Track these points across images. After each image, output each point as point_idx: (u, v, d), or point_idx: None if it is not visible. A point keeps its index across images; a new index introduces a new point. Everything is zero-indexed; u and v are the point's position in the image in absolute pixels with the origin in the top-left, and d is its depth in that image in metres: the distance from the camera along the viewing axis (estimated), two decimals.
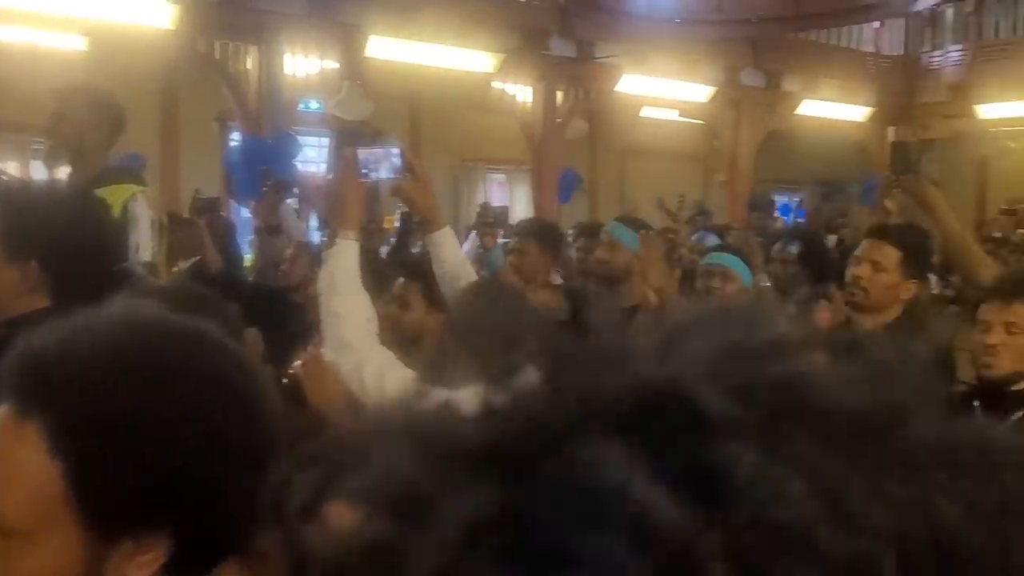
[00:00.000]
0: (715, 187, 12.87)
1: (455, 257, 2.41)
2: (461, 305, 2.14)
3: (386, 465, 0.31)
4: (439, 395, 0.38)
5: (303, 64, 8.06)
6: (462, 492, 0.29)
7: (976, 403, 2.24)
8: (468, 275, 2.42)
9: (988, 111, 11.13)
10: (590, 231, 4.32)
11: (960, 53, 12.19)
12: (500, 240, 4.41)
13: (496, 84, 9.21)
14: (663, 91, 10.40)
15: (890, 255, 2.63)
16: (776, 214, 13.31)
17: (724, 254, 3.15)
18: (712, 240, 5.91)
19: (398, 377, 1.93)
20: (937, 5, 11.50)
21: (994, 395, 2.23)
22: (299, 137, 8.37)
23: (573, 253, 4.42)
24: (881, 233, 2.77)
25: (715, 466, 0.28)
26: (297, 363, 2.12)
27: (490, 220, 7.18)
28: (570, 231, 5.05)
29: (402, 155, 2.32)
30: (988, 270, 2.99)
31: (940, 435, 0.32)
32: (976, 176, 14.25)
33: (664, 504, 0.27)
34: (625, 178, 13.37)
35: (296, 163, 8.23)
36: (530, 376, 0.33)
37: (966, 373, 2.53)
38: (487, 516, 0.28)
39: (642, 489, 0.27)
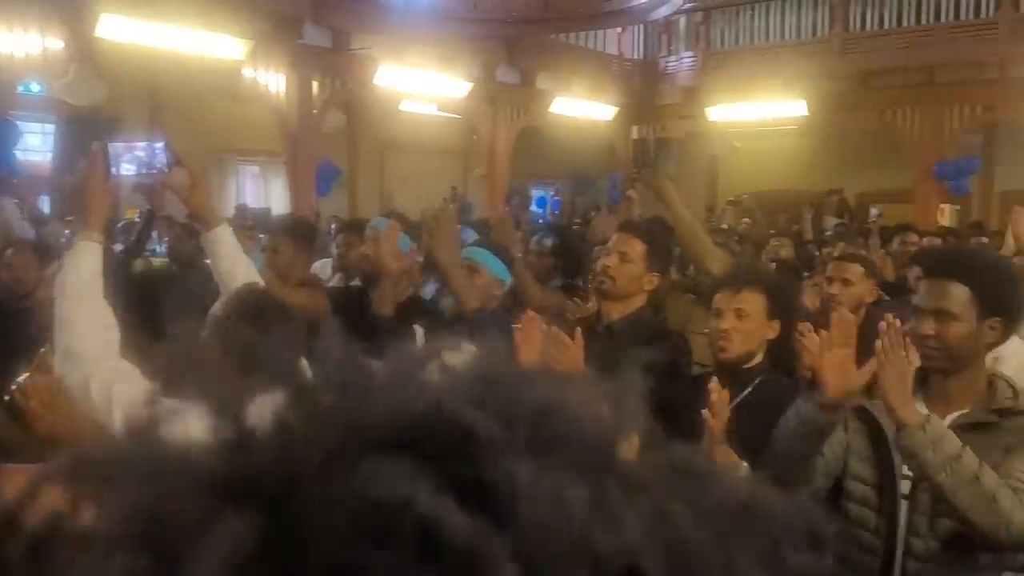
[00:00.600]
0: (475, 181, 13.15)
1: (232, 256, 2.30)
2: (221, 315, 2.01)
3: (127, 500, 0.30)
4: (176, 412, 0.33)
5: (23, 41, 7.21)
6: (217, 527, 0.28)
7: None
8: (247, 275, 2.30)
9: (716, 113, 12.22)
10: (352, 227, 4.23)
11: (692, 59, 13.31)
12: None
13: (247, 72, 8.77)
14: (421, 85, 10.43)
15: (636, 247, 2.80)
16: (533, 206, 13.89)
17: (476, 248, 3.18)
18: (470, 235, 6.00)
19: (129, 391, 1.75)
20: (671, 15, 12.45)
21: (731, 373, 2.43)
22: (19, 123, 7.54)
23: (334, 249, 4.30)
24: (629, 227, 2.94)
25: (496, 479, 0.30)
26: (21, 378, 1.91)
27: (249, 223, 6.82)
28: (332, 225, 4.90)
29: (167, 149, 2.17)
30: (716, 259, 3.26)
31: (657, 457, 0.37)
32: (707, 172, 15.65)
33: (452, 514, 0.28)
34: (385, 171, 13.30)
35: (16, 152, 7.43)
36: (274, 399, 0.33)
37: (703, 356, 2.75)
38: (248, 549, 0.28)
39: (428, 501, 0.28)
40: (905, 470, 1.94)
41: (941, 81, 11.23)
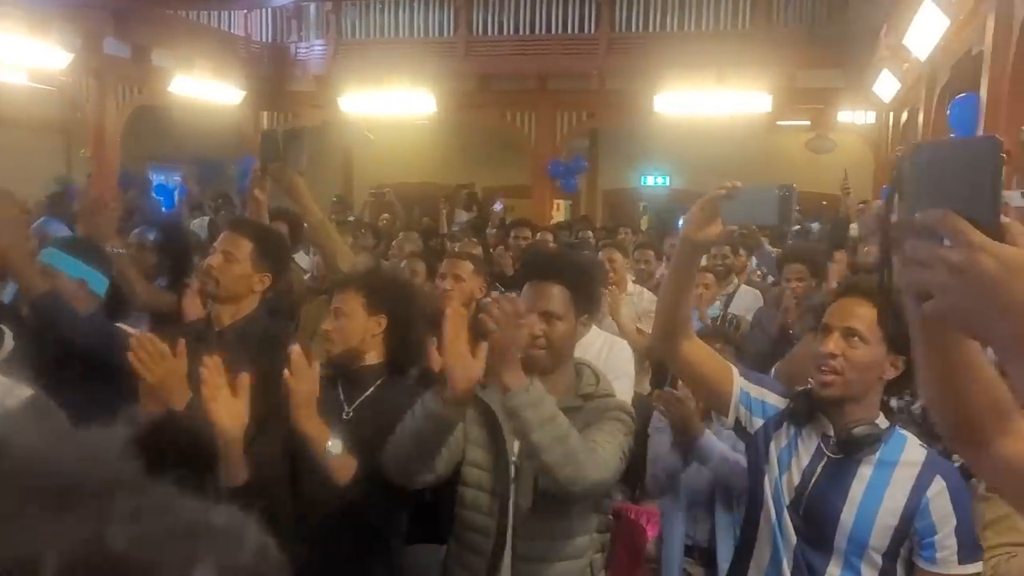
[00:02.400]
0: (81, 161, 11.72)
1: None
2: None
3: None
4: None
5: None
6: None
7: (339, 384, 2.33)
8: None
9: (349, 103, 12.15)
10: None
11: (323, 47, 13.10)
12: None
13: None
14: (9, 51, 8.99)
15: (243, 247, 2.60)
16: (153, 193, 12.72)
17: (50, 248, 2.75)
18: (60, 229, 5.26)
19: None
20: (299, 1, 12.14)
21: (348, 375, 2.32)
22: None
23: None
24: (236, 226, 2.71)
25: None
26: None
27: None
28: None
29: None
30: (346, 257, 3.15)
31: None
32: (342, 163, 15.58)
33: None
34: None
35: None
36: None
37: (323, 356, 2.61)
38: None
39: None
40: (514, 456, 2.04)
41: (553, 88, 12.29)
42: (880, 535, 1.81)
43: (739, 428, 2.06)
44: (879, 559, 1.82)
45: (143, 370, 2.08)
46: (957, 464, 1.93)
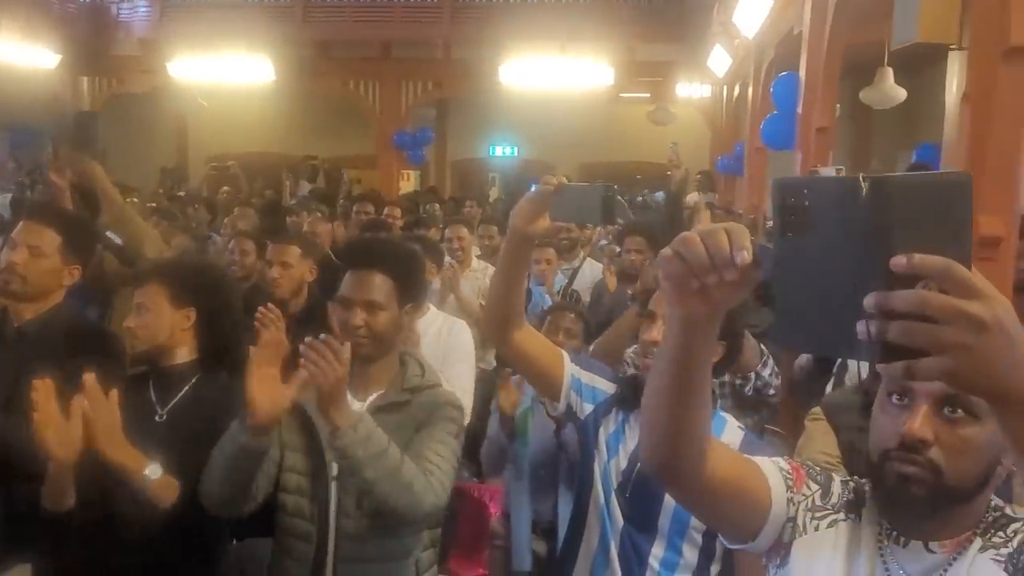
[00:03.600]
0: None
1: None
2: None
3: None
4: None
5: None
6: None
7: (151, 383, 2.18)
8: None
9: (179, 68, 11.47)
10: None
11: (148, 8, 12.26)
12: None
13: None
14: None
15: (50, 239, 2.40)
16: None
17: None
18: None
19: None
20: None
21: (160, 373, 2.19)
22: None
23: None
24: (38, 215, 2.47)
25: None
26: None
27: None
28: None
29: None
30: (152, 240, 2.95)
31: None
32: (175, 133, 14.74)
33: None
34: None
35: None
36: None
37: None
38: None
39: None
40: (334, 467, 1.99)
41: (397, 56, 12.05)
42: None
43: (570, 414, 2.07)
44: (699, 538, 1.88)
45: None
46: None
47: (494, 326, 1.92)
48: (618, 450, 1.98)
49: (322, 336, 1.79)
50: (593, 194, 1.66)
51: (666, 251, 0.88)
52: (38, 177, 9.15)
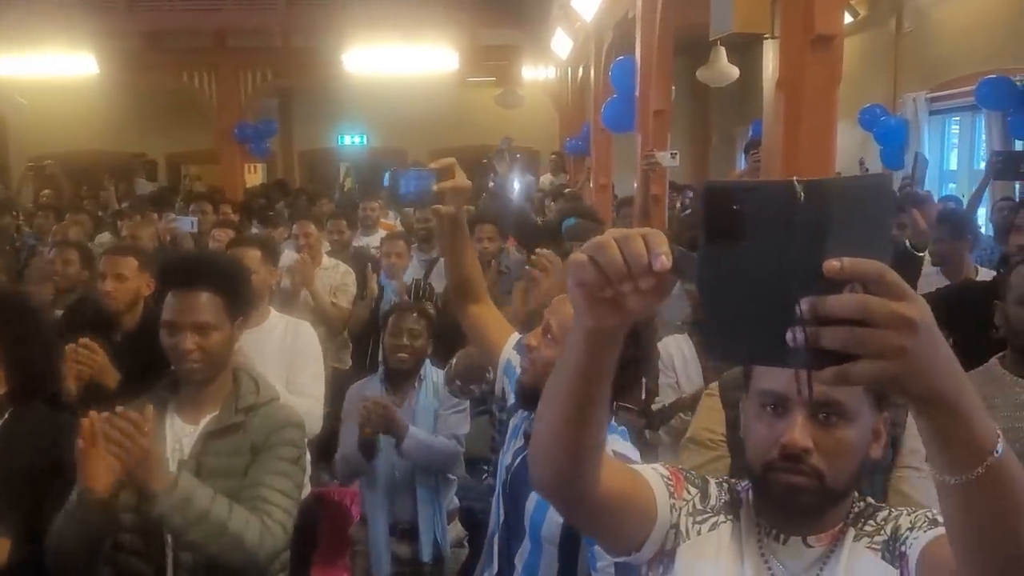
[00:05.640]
0: None
1: None
2: None
3: None
4: None
5: None
6: None
7: None
8: None
9: None
10: None
11: None
12: None
13: None
14: None
15: None
16: None
17: None
18: None
19: None
20: None
21: None
22: None
23: None
24: None
25: None
26: None
27: None
28: None
29: None
30: None
31: None
32: None
33: None
34: None
35: None
36: None
37: None
38: None
39: None
40: None
41: (233, 46, 11.56)
42: (551, 527, 1.77)
43: (501, 398, 2.07)
44: (554, 549, 1.80)
45: None
46: None
47: (455, 296, 2.07)
48: (510, 445, 1.96)
49: (117, 409, 1.71)
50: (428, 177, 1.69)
51: (578, 256, 0.83)
52: None
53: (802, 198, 0.70)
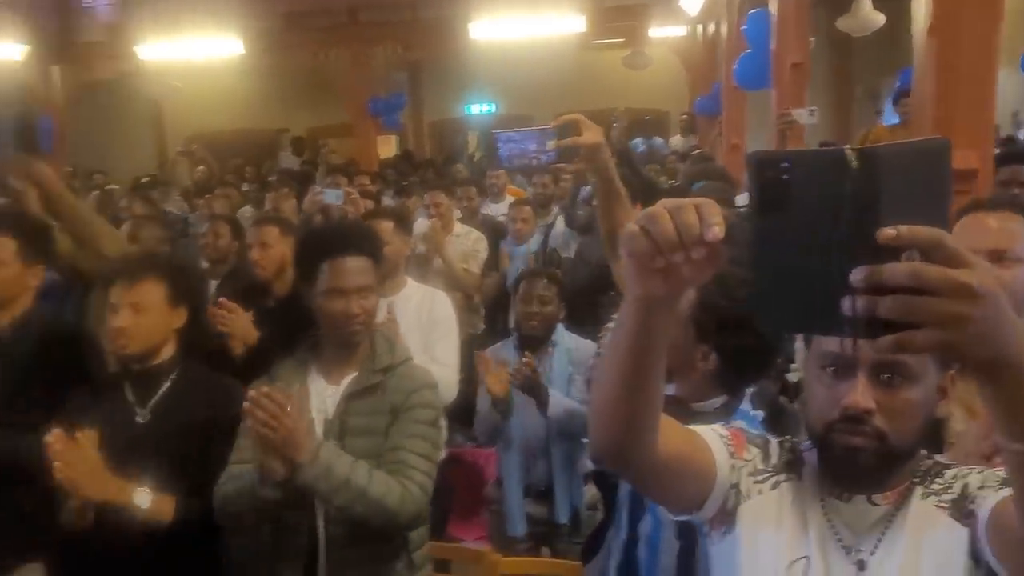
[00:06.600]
0: None
1: None
2: None
3: None
4: None
5: None
6: None
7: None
8: None
9: (149, 52, 11.27)
10: None
11: None
12: None
13: None
14: None
15: (6, 246, 2.43)
16: None
17: None
18: None
19: None
20: None
21: (138, 375, 2.19)
22: None
23: None
24: None
25: None
26: None
27: None
28: None
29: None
30: (112, 239, 2.92)
31: None
32: (151, 118, 14.57)
33: None
34: None
35: None
36: None
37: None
38: None
39: None
40: None
41: (364, 21, 11.85)
42: None
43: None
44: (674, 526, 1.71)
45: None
46: None
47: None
48: None
49: (262, 389, 1.80)
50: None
51: (631, 227, 0.84)
52: None
53: (855, 166, 0.69)
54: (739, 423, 1.53)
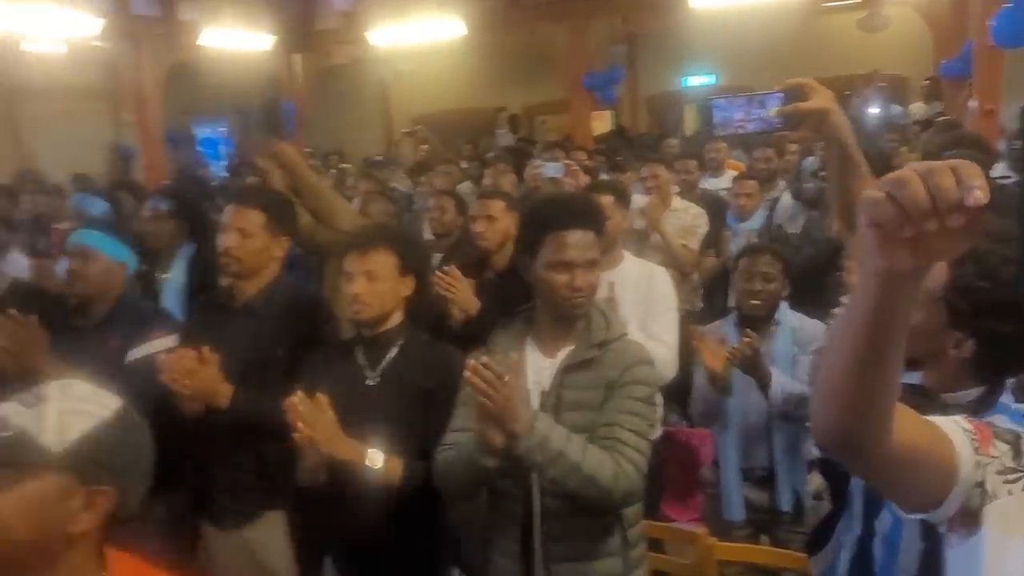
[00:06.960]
0: (127, 125, 11.85)
1: None
2: None
3: None
4: None
5: None
6: None
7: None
8: None
9: (378, 37, 11.93)
10: None
11: None
12: None
13: None
14: (41, 22, 8.99)
15: (254, 219, 2.60)
16: (199, 148, 12.81)
17: (89, 230, 2.76)
18: (99, 206, 5.27)
19: None
20: None
21: (371, 339, 2.31)
22: None
23: None
24: (242, 198, 2.69)
25: None
26: None
27: None
28: None
29: None
30: (347, 214, 3.10)
31: None
32: (378, 100, 15.42)
33: None
34: (19, 123, 11.55)
35: None
36: None
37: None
38: None
39: None
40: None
41: None
42: None
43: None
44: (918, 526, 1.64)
45: (180, 387, 2.23)
46: None
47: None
48: None
49: (482, 358, 1.82)
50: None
51: (873, 193, 0.75)
52: (243, 162, 9.93)
53: None
54: (999, 417, 1.36)
